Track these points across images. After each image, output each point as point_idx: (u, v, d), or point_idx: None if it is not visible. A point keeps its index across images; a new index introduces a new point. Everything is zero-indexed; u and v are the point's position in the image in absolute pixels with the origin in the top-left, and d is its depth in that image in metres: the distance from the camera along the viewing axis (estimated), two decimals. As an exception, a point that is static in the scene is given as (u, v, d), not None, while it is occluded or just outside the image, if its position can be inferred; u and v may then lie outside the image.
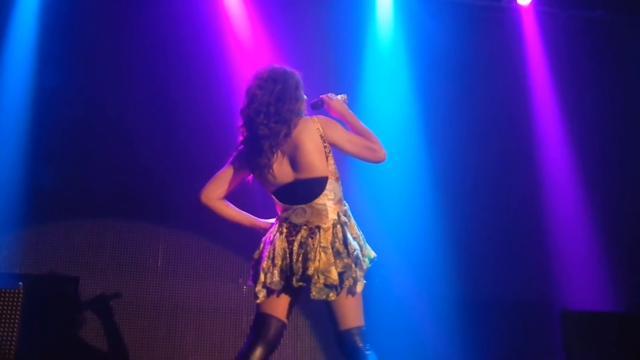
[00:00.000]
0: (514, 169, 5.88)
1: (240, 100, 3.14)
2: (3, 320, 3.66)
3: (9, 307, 3.68)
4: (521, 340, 5.43)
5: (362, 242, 3.09)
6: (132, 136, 5.21)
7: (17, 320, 3.65)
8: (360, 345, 2.95)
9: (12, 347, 3.61)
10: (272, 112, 3.03)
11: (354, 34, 5.81)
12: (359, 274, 2.97)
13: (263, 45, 5.48)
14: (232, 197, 3.22)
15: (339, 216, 3.04)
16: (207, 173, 3.26)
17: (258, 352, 2.97)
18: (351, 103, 3.34)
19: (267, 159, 3.05)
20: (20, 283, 3.76)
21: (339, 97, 3.28)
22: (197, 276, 5.18)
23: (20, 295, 3.71)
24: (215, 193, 3.18)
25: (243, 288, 5.15)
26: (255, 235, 3.24)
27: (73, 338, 4.73)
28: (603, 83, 6.12)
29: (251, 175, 3.17)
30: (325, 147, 3.06)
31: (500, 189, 5.78)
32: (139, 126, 5.23)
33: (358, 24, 5.84)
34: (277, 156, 3.06)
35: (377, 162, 3.16)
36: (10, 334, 3.64)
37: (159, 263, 5.15)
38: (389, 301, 5.15)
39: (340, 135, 3.10)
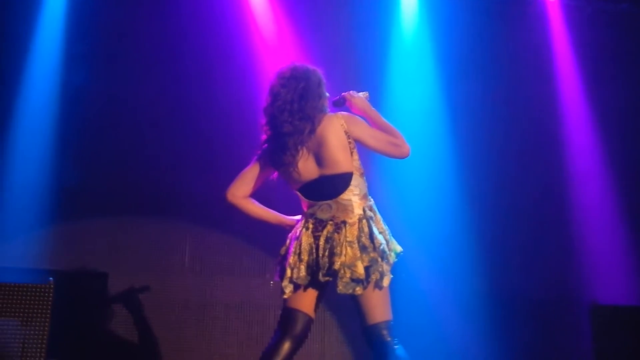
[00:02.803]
0: (540, 163, 5.83)
1: (263, 97, 3.17)
2: (35, 314, 3.72)
3: (41, 302, 3.74)
4: (549, 335, 5.38)
5: (388, 236, 3.10)
6: (158, 133, 5.24)
7: (48, 315, 3.72)
8: (389, 339, 2.96)
9: (44, 340, 3.67)
10: (295, 109, 3.06)
11: (377, 28, 5.78)
12: (386, 268, 2.99)
13: (285, 41, 5.49)
14: (257, 194, 3.25)
15: (364, 211, 3.05)
16: (233, 170, 3.29)
17: (285, 346, 3.00)
18: (375, 98, 3.34)
19: (291, 156, 3.07)
20: (51, 278, 3.83)
21: (360, 94, 3.29)
22: (224, 272, 5.21)
23: (51, 290, 3.77)
24: (241, 191, 3.21)
25: (270, 284, 5.18)
26: (281, 231, 3.26)
27: (102, 333, 4.79)
28: (630, 76, 6.05)
29: (276, 172, 3.20)
30: (349, 142, 3.08)
31: (526, 183, 5.73)
32: (165, 124, 5.27)
33: (381, 18, 5.81)
34: (302, 153, 3.08)
35: (401, 158, 3.18)
36: (42, 328, 3.70)
37: (186, 259, 5.19)
38: (415, 296, 5.13)
39: (364, 131, 3.11)
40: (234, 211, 3.23)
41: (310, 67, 3.17)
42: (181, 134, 5.28)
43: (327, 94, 3.19)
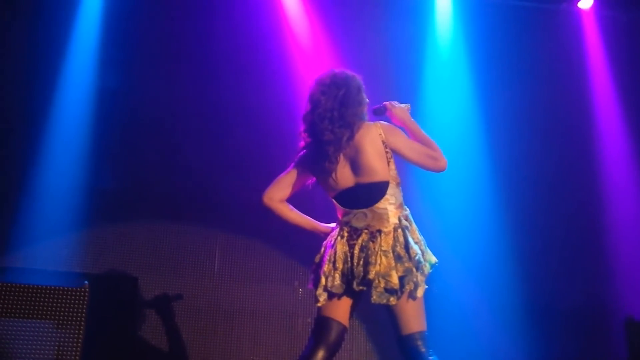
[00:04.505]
0: (576, 174, 5.76)
1: (296, 103, 3.17)
2: (70, 317, 3.74)
3: (76, 306, 3.76)
4: (584, 350, 5.29)
5: (424, 246, 3.08)
6: (191, 138, 5.27)
7: (83, 318, 3.73)
8: (423, 350, 2.93)
9: (79, 344, 3.69)
10: (336, 117, 3.05)
11: (413, 37, 5.76)
12: (420, 278, 2.96)
13: (320, 47, 5.50)
14: (293, 200, 3.25)
15: (400, 220, 3.03)
16: (265, 177, 3.30)
17: (319, 355, 2.98)
18: (411, 107, 3.32)
19: (331, 164, 3.06)
20: (86, 282, 3.85)
21: (402, 106, 3.28)
22: (253, 279, 5.20)
23: (86, 293, 3.79)
24: (278, 195, 3.21)
25: (299, 291, 5.17)
26: (313, 238, 3.26)
27: (131, 338, 4.80)
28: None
29: (313, 179, 3.19)
30: (386, 152, 3.06)
31: (562, 194, 5.67)
32: (198, 128, 5.29)
33: (417, 27, 5.80)
34: (340, 160, 3.07)
35: (438, 171, 3.16)
36: (77, 331, 3.71)
37: (215, 265, 5.19)
38: (451, 306, 5.10)
39: (402, 142, 3.10)
40: (269, 215, 3.23)
41: (350, 73, 3.16)
42: (214, 140, 5.30)
43: (367, 100, 3.18)
